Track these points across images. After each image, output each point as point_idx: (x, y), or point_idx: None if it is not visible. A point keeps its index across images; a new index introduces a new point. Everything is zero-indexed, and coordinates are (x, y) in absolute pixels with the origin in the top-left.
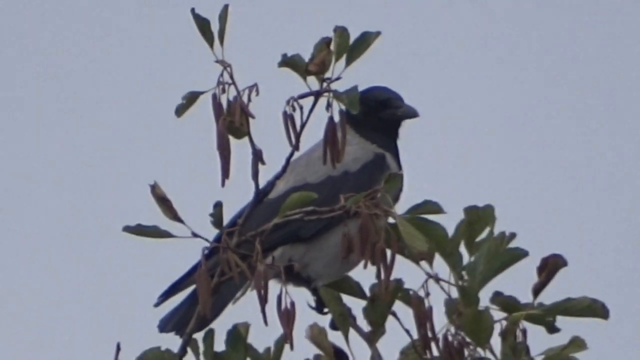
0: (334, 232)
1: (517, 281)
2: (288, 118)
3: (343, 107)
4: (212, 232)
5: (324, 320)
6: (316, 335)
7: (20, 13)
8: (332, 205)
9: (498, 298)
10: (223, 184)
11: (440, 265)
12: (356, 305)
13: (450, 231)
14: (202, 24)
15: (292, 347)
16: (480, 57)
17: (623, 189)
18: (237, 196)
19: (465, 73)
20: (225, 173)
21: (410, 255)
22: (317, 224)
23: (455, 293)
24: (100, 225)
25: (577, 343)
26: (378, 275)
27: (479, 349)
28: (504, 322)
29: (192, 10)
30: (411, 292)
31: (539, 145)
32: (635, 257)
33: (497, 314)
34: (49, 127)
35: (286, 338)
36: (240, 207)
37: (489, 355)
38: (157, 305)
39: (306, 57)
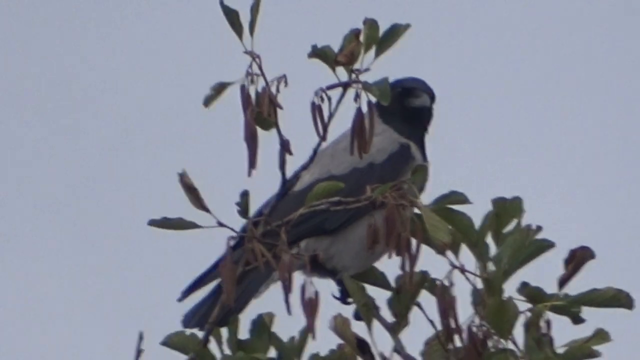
0: (359, 225)
1: (544, 274)
2: (316, 109)
3: (372, 99)
4: (238, 223)
5: (348, 311)
6: (340, 326)
7: None
8: (357, 197)
9: (525, 288)
10: (250, 174)
11: (466, 257)
12: (380, 296)
13: (478, 223)
14: (231, 16)
15: (314, 337)
16: (509, 47)
17: None
18: (264, 187)
19: (495, 64)
20: (252, 163)
21: (434, 247)
22: (343, 216)
23: (481, 284)
24: (127, 216)
25: (601, 335)
26: (403, 266)
27: (502, 341)
28: (529, 314)
29: (221, 1)
30: (437, 282)
31: (569, 138)
32: None
33: (522, 305)
34: (79, 116)
35: (309, 328)
36: (267, 197)
37: (511, 346)
38: (180, 300)
39: (335, 49)
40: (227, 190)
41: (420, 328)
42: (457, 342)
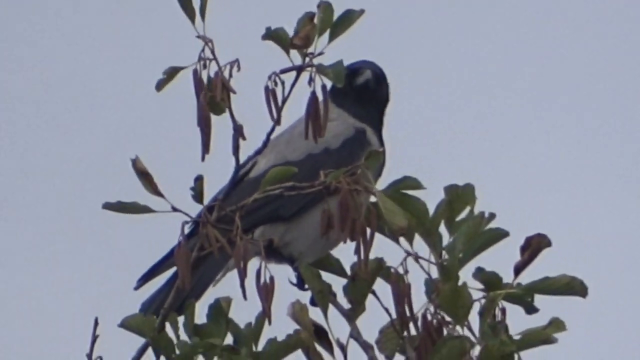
0: (314, 211)
1: (500, 262)
2: (270, 93)
3: (327, 82)
4: (193, 209)
5: (306, 297)
6: (297, 312)
7: None
8: (310, 183)
9: (480, 274)
10: (203, 159)
11: (420, 247)
12: (336, 282)
13: (431, 211)
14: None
15: (269, 322)
16: (462, 33)
17: (605, 168)
18: (218, 172)
19: (448, 50)
20: (206, 148)
21: (390, 231)
22: (297, 202)
23: (435, 273)
24: (81, 201)
25: (557, 324)
26: (357, 251)
27: (458, 327)
28: (483, 301)
29: None
30: (391, 270)
31: (522, 123)
32: (616, 236)
33: (477, 293)
34: (30, 100)
35: (264, 313)
36: (221, 182)
37: (467, 333)
38: (136, 288)
39: (289, 32)
40: (182, 175)
41: (376, 315)
42: (412, 330)
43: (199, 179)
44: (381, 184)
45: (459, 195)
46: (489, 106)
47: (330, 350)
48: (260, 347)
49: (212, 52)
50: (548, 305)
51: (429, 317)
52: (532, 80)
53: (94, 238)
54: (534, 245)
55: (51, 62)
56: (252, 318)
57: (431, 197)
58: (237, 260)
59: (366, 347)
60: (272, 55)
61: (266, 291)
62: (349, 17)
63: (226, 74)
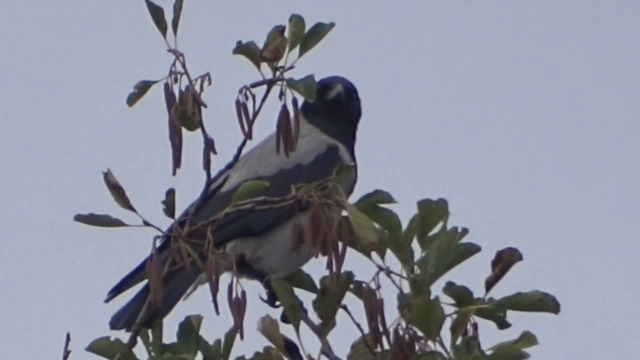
0: (286, 226)
1: (472, 277)
2: (241, 107)
3: (297, 96)
4: (165, 223)
5: (276, 313)
6: (268, 327)
7: None
8: (282, 197)
9: (450, 289)
10: (174, 173)
11: (392, 261)
12: (307, 298)
13: (404, 226)
14: (156, 13)
15: (242, 337)
16: (432, 45)
17: (577, 183)
18: (190, 186)
19: (418, 64)
20: (177, 162)
21: (361, 246)
22: (269, 217)
23: (407, 288)
24: (51, 214)
25: (528, 338)
26: (329, 266)
27: (430, 343)
28: (455, 316)
29: None
30: (363, 285)
31: (494, 139)
32: (588, 251)
33: (449, 308)
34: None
35: (236, 327)
36: (193, 196)
37: (439, 349)
38: (107, 300)
39: (260, 46)
40: (153, 189)
41: (347, 330)
42: (385, 345)
43: (170, 193)
44: (353, 199)
45: (432, 210)
46: (460, 119)
47: None
48: None
49: (183, 66)
50: (521, 321)
51: (401, 332)
52: (501, 92)
53: (65, 250)
54: (505, 260)
55: (24, 73)
56: (222, 333)
57: (404, 212)
58: (209, 274)
59: None
60: (244, 69)
61: (238, 306)
62: (320, 31)
63: (197, 87)
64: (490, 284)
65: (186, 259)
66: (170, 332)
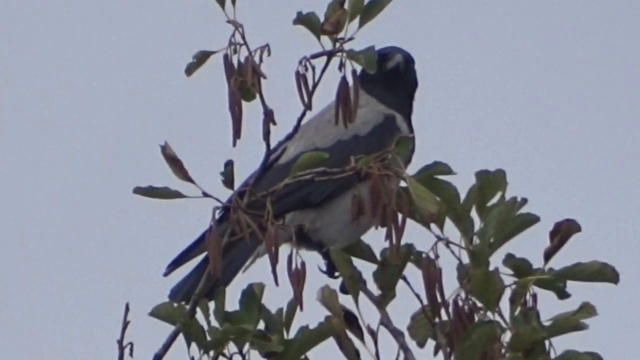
0: (345, 197)
1: (531, 248)
2: (300, 78)
3: (357, 68)
4: (224, 194)
5: (335, 284)
6: (327, 298)
7: None
8: (341, 169)
9: (510, 260)
10: (234, 144)
11: (451, 231)
12: (367, 269)
13: (462, 197)
14: None
15: (301, 308)
16: (494, 21)
17: (636, 157)
18: (249, 157)
19: (479, 38)
20: (237, 133)
21: (421, 217)
22: (328, 188)
23: (466, 258)
24: (111, 186)
25: (587, 309)
26: (389, 237)
27: (489, 313)
28: (514, 287)
29: None
30: (422, 255)
31: (554, 112)
32: None
33: (508, 279)
34: (59, 88)
35: (296, 298)
36: (252, 168)
37: (498, 319)
38: (166, 274)
39: (320, 17)
40: (213, 160)
41: (407, 301)
42: (444, 316)
43: (228, 164)
44: (411, 170)
45: (490, 181)
46: (520, 90)
47: (360, 337)
48: (292, 334)
49: (243, 37)
50: (579, 292)
51: (460, 303)
52: (563, 69)
53: (125, 223)
54: (564, 231)
55: (80, 45)
56: (283, 304)
57: (462, 183)
58: (268, 245)
59: (397, 333)
60: (303, 40)
61: (297, 277)
62: (380, 3)
63: (257, 58)
64: (548, 255)
65: (245, 230)
66: (231, 302)
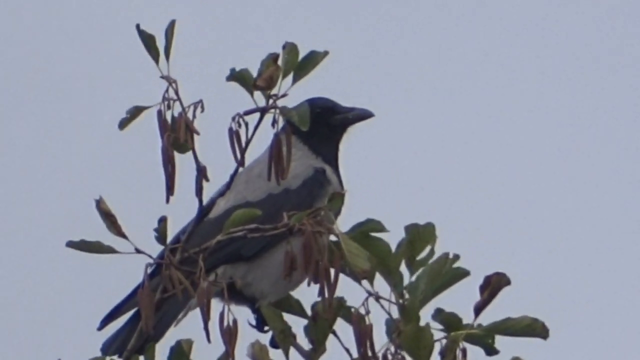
0: (276, 251)
1: (461, 302)
2: (234, 134)
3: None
4: (156, 250)
5: (265, 339)
6: (257, 353)
7: None
8: (273, 223)
9: (439, 315)
10: (167, 201)
11: (381, 285)
12: (296, 323)
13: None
14: (148, 40)
15: None
16: (422, 72)
17: (569, 210)
18: (182, 212)
19: (408, 92)
20: (170, 190)
21: (352, 273)
22: (259, 243)
23: (396, 313)
24: (44, 240)
25: None
26: (322, 293)
27: None
28: (444, 341)
29: (137, 26)
30: (352, 310)
31: (481, 163)
32: (579, 276)
33: (437, 333)
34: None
35: (228, 355)
36: (185, 223)
37: None
38: (100, 328)
39: (253, 73)
40: (146, 215)
41: (337, 356)
42: None
43: (162, 220)
44: (342, 223)
45: (420, 234)
46: (448, 145)
47: None
48: None
49: (176, 92)
50: (509, 345)
51: (390, 358)
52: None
53: (57, 277)
54: (494, 284)
55: (15, 100)
56: (213, 358)
57: (391, 236)
58: (200, 301)
59: None
60: (238, 96)
61: (229, 334)
62: (314, 58)
63: (190, 114)
64: (479, 309)
65: (177, 286)
66: (162, 357)
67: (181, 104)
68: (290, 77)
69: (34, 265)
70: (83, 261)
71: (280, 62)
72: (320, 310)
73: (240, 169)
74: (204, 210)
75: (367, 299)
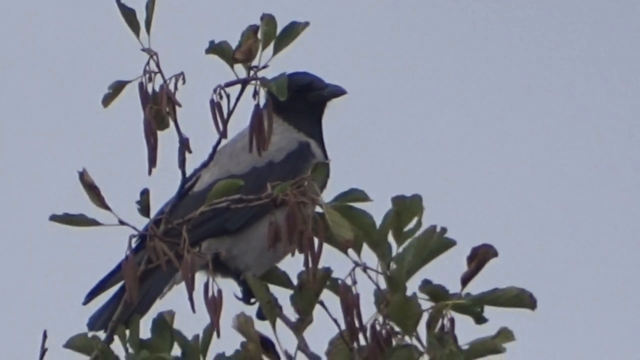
0: (261, 224)
1: (448, 272)
2: (215, 106)
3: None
4: (141, 223)
5: (251, 311)
6: (243, 324)
7: None
8: (258, 196)
9: (426, 286)
10: (150, 173)
11: (369, 256)
12: (283, 296)
13: (379, 220)
14: (128, 14)
15: (218, 335)
16: (406, 43)
17: (555, 181)
18: (165, 185)
19: (393, 64)
20: (152, 162)
21: (337, 243)
22: (244, 215)
23: (383, 283)
24: (27, 214)
25: (505, 334)
26: (306, 263)
27: (407, 337)
28: (431, 311)
29: (118, 0)
30: (339, 281)
31: (470, 133)
32: (566, 248)
33: (425, 303)
34: None
35: (213, 326)
36: (168, 196)
37: (416, 343)
38: (85, 303)
39: (234, 45)
40: (129, 188)
41: (324, 327)
42: (362, 341)
43: (144, 193)
44: (327, 195)
45: (407, 206)
46: (437, 113)
47: None
48: None
49: (157, 65)
50: (497, 317)
51: (378, 328)
52: (478, 90)
53: (41, 251)
54: (480, 256)
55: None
56: (199, 330)
57: (378, 208)
58: (184, 273)
59: (314, 358)
60: (219, 68)
61: (214, 304)
62: (294, 29)
63: (171, 87)
64: (465, 280)
65: (162, 258)
66: (148, 330)
67: (162, 76)
68: (271, 49)
69: (18, 240)
70: (67, 235)
71: (259, 34)
72: (305, 279)
73: (224, 141)
74: (186, 183)
75: (353, 269)
